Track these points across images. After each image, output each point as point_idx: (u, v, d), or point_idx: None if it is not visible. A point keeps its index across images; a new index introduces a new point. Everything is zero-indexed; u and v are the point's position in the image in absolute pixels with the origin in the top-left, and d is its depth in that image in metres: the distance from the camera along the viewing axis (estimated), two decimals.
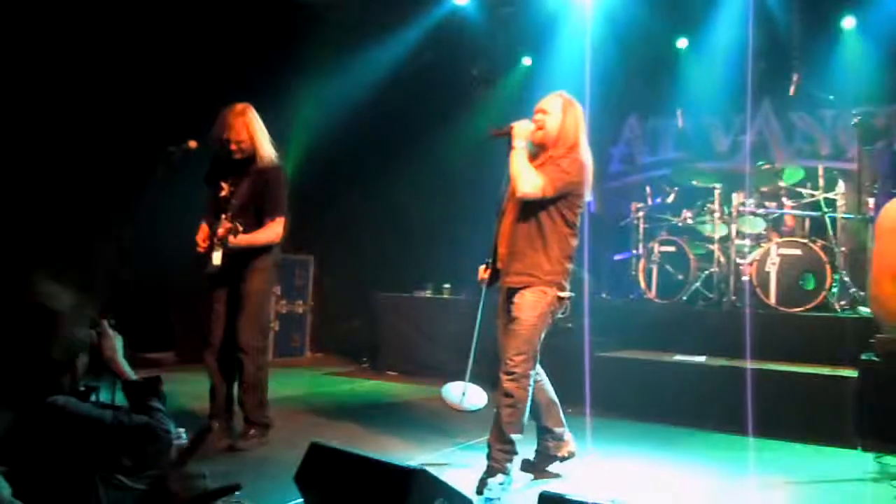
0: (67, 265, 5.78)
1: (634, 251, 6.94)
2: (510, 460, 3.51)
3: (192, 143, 3.92)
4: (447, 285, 7.51)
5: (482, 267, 3.79)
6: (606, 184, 8.42)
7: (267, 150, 4.19)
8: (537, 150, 3.63)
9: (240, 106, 4.18)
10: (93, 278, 6.02)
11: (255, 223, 4.12)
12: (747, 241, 6.35)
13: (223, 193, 4.22)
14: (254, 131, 4.15)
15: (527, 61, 8.60)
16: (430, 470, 2.34)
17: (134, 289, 5.99)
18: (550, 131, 3.59)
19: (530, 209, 3.53)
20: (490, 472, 3.44)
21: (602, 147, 8.44)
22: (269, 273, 4.23)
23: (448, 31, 8.10)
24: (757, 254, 6.07)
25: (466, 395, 3.69)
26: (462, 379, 3.92)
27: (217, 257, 4.02)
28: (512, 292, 3.55)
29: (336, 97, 7.59)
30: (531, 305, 3.47)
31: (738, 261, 6.29)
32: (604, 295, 7.08)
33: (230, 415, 4.27)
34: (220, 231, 4.00)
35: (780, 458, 4.40)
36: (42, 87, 5.88)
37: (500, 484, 3.28)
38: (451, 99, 8.46)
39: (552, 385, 3.92)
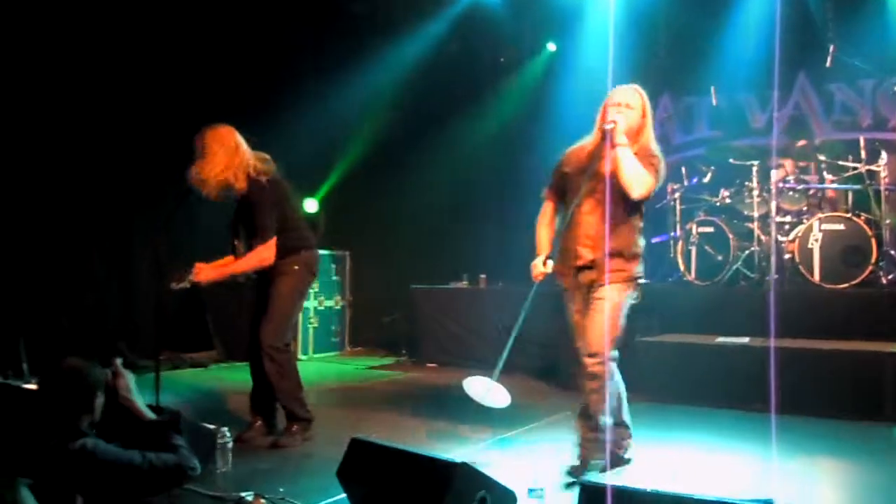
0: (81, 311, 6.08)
1: (672, 233, 6.83)
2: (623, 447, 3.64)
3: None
4: (483, 275, 7.49)
5: (540, 261, 3.61)
6: None
7: (239, 176, 4.04)
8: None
9: (199, 144, 4.04)
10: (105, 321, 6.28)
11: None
12: (788, 218, 6.21)
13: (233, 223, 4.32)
14: (213, 167, 3.99)
15: (551, 47, 8.52)
16: (472, 463, 2.33)
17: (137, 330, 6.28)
18: (634, 126, 3.53)
19: (624, 207, 3.47)
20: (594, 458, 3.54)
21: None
22: (295, 277, 4.20)
23: (473, 20, 8.06)
24: (799, 230, 5.94)
25: (490, 391, 3.60)
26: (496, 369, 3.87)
27: (185, 283, 4.09)
28: (599, 286, 3.50)
29: (364, 93, 7.62)
30: (617, 298, 3.48)
31: (780, 238, 6.15)
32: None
33: (272, 412, 4.31)
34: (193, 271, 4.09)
35: (828, 437, 4.30)
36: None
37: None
38: (478, 89, 8.43)
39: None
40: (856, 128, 7.03)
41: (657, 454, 3.93)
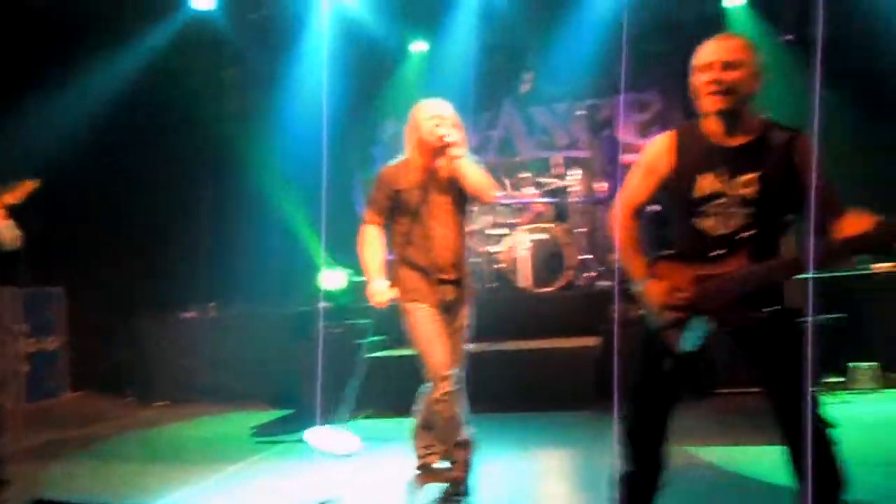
0: None
1: None
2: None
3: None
4: (212, 303, 7.24)
5: (384, 286, 3.44)
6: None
7: None
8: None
9: None
10: None
11: None
12: (499, 231, 6.77)
13: None
14: None
15: None
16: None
17: None
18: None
19: (463, 215, 3.49)
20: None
21: (363, 148, 8.59)
22: None
23: (195, 35, 7.76)
24: (509, 241, 6.49)
25: (338, 440, 3.30)
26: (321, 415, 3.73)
27: None
28: (461, 304, 3.47)
29: (72, 112, 6.99)
30: (473, 313, 3.49)
31: (492, 249, 6.68)
32: None
33: None
34: None
35: (540, 430, 4.72)
36: None
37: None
38: (202, 106, 8.13)
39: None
40: (553, 147, 7.86)
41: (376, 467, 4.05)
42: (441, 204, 3.41)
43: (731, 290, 2.34)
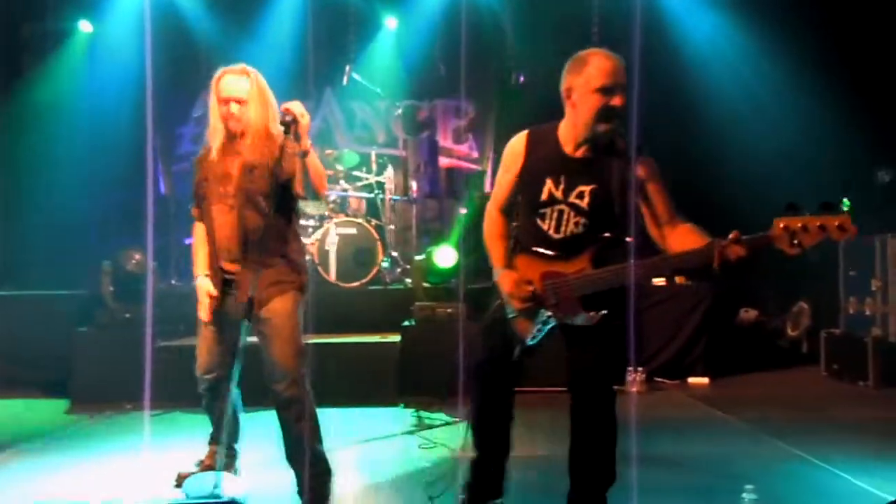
0: None
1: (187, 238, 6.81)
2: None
3: None
4: None
5: (209, 283, 3.07)
6: (177, 165, 8.12)
7: None
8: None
9: None
10: None
11: None
12: (311, 222, 6.67)
13: None
14: None
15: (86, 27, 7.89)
16: None
17: None
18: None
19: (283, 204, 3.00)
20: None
21: (170, 127, 8.12)
22: None
23: None
24: (318, 234, 6.41)
25: (220, 485, 2.81)
26: None
27: None
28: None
29: None
30: (291, 307, 3.03)
31: (304, 241, 6.56)
32: (173, 281, 6.82)
33: None
34: None
35: (342, 424, 4.69)
36: None
37: None
38: None
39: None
40: (372, 143, 7.88)
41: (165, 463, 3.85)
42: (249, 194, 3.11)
43: (570, 289, 2.50)
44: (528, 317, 2.59)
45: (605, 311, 2.48)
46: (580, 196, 2.53)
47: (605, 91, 2.44)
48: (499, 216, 2.74)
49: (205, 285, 3.10)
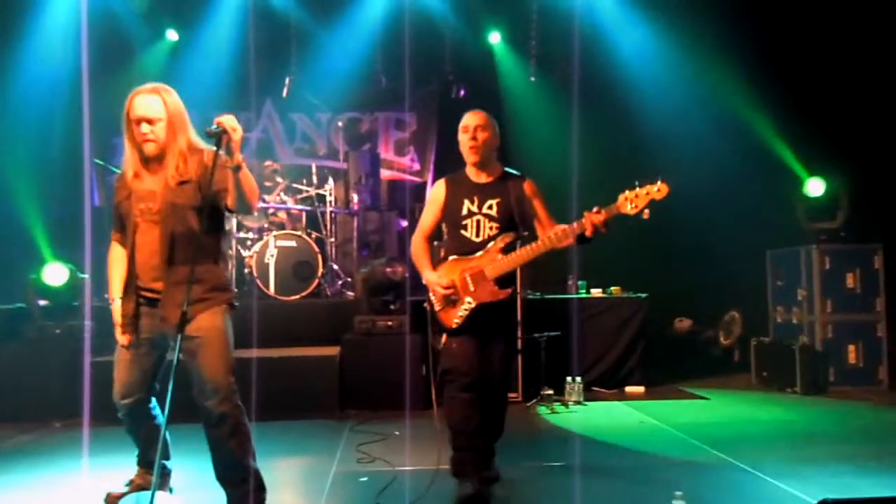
0: None
1: None
2: None
3: None
4: None
5: (120, 305, 2.99)
6: (111, 176, 7.90)
7: None
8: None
9: None
10: None
11: None
12: (251, 235, 6.59)
13: None
14: None
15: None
16: None
17: None
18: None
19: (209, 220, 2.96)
20: None
21: (107, 138, 7.92)
22: None
23: None
24: (258, 246, 6.34)
25: None
26: None
27: None
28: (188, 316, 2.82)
29: None
30: (220, 323, 2.96)
31: (243, 253, 6.49)
32: (106, 295, 6.61)
33: None
34: None
35: (280, 438, 4.64)
36: None
37: None
38: None
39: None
40: (313, 155, 7.84)
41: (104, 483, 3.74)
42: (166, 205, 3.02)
43: (485, 275, 3.37)
44: (451, 306, 3.40)
45: (511, 287, 3.43)
46: (490, 207, 3.46)
47: (464, 130, 3.50)
48: (424, 242, 3.60)
49: (121, 308, 3.03)
